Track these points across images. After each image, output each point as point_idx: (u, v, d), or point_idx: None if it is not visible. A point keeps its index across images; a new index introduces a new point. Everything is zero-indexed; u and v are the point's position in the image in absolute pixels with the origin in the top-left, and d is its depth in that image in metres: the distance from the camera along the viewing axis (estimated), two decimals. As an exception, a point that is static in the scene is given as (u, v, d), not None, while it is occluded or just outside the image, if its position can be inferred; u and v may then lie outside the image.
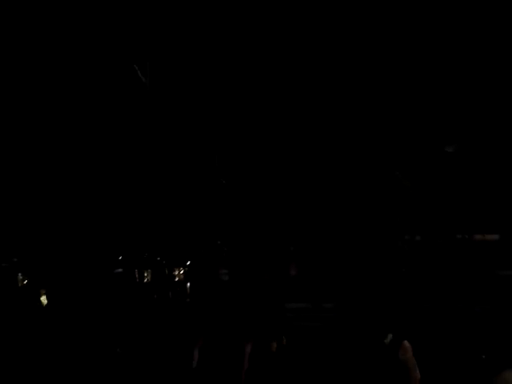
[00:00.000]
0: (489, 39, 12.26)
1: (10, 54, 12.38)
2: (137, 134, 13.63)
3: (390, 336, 6.69)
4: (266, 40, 12.89)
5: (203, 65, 13.23)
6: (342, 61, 12.80)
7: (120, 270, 14.36)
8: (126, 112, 13.34)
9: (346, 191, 13.96)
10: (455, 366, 10.12)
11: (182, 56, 13.17)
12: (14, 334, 11.82)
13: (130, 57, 12.79)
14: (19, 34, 12.10)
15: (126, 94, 13.17)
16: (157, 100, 13.32)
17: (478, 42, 12.33)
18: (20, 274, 13.55)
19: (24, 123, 12.93)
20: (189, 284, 15.12)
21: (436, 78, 12.95)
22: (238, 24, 12.69)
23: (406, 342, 6.69)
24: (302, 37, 12.65)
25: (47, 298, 13.31)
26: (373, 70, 12.93)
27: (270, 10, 12.74)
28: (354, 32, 12.60)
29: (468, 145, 13.43)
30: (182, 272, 15.43)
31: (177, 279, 15.43)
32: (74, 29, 12.27)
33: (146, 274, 14.98)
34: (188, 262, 15.37)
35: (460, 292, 12.96)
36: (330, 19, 12.54)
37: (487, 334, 11.11)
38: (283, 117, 13.54)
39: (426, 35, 12.47)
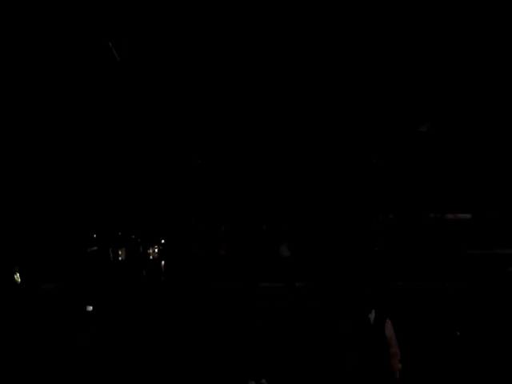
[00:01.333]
0: (463, 28, 12.35)
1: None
2: (111, 115, 13.56)
3: (373, 312, 6.82)
4: (242, 24, 12.82)
5: (179, 43, 13.16)
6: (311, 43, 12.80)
7: (95, 248, 14.33)
8: (100, 90, 13.25)
9: (320, 172, 14.04)
10: (431, 342, 10.29)
11: (157, 34, 13.08)
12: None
13: (105, 35, 12.68)
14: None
15: (100, 73, 13.07)
16: (131, 79, 13.24)
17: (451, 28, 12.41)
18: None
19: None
20: (163, 262, 15.15)
21: (409, 59, 13.00)
22: (218, 4, 12.62)
23: (388, 320, 6.82)
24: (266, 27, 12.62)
25: (21, 277, 13.26)
26: (345, 50, 12.95)
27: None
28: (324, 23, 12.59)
29: (441, 124, 13.55)
30: (156, 250, 15.45)
31: (151, 257, 15.46)
32: (48, 9, 12.12)
33: (120, 253, 14.99)
34: (162, 241, 15.39)
35: (432, 270, 13.14)
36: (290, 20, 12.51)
37: (459, 311, 11.31)
38: (252, 101, 13.55)
39: (398, 22, 12.51)
